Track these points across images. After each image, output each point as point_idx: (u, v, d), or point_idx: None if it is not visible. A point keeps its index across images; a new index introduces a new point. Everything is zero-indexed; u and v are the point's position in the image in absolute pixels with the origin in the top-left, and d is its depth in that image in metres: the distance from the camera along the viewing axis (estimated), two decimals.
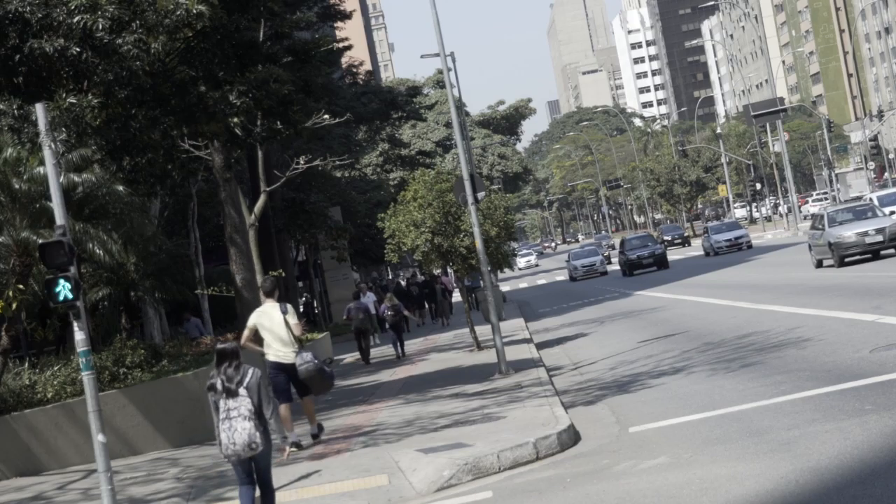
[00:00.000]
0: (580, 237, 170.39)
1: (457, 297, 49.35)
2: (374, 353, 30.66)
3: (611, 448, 12.33)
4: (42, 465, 16.44)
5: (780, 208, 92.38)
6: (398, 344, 29.14)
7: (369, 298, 34.38)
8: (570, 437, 13.18)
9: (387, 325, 31.05)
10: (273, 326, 14.95)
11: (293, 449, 14.34)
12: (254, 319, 15.16)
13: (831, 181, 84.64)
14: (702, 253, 63.69)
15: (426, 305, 47.53)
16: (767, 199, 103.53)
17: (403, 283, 55.72)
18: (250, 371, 10.48)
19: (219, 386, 10.42)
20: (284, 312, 14.92)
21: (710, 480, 9.70)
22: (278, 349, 15.00)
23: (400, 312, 29.90)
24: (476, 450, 12.65)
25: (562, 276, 76.06)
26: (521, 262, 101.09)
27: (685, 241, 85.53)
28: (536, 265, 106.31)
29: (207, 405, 11.09)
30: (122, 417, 16.97)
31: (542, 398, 16.30)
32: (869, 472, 9.05)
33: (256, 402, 10.35)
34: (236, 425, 10.32)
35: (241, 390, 10.36)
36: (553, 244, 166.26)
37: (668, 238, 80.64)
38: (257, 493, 10.52)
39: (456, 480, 11.89)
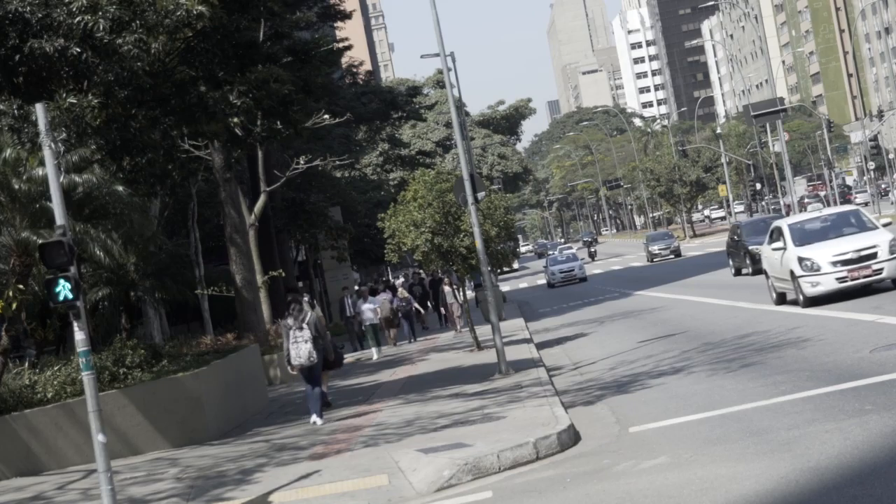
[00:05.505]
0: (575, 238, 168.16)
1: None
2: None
3: (611, 448, 12.33)
4: (42, 465, 16.43)
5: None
6: (411, 330, 36.27)
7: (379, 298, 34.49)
8: (570, 437, 13.17)
9: (400, 315, 36.23)
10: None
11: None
12: None
13: (832, 181, 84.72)
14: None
15: (429, 306, 46.17)
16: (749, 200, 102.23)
17: (403, 282, 55.02)
18: (310, 312, 17.11)
19: (290, 322, 16.86)
20: (312, 308, 18.96)
21: (710, 480, 9.70)
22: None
23: (410, 304, 37.02)
24: (476, 450, 12.65)
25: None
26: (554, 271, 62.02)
27: None
28: (582, 279, 60.21)
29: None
30: (122, 417, 16.96)
31: (541, 398, 16.30)
32: (869, 471, 9.05)
33: (314, 332, 16.78)
34: (301, 346, 16.72)
35: (304, 325, 16.76)
36: (591, 247, 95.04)
37: None
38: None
39: (456, 480, 11.89)
